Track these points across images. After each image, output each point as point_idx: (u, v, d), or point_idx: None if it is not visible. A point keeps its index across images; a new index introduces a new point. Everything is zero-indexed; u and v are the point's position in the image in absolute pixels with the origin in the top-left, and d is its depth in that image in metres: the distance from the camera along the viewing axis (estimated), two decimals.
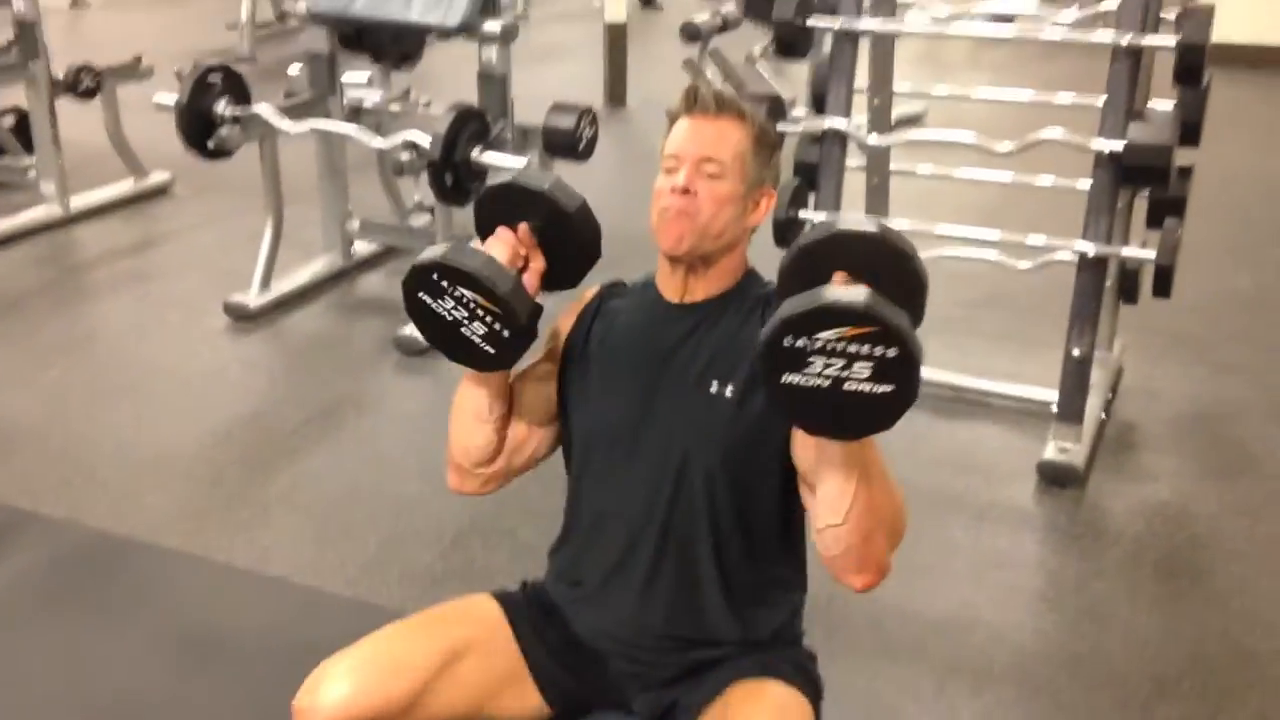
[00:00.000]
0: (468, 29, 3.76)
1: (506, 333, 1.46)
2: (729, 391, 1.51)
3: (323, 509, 2.87)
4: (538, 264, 1.54)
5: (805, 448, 1.42)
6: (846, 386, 1.24)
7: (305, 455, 3.12)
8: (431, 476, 3.00)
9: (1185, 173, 3.19)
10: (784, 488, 1.55)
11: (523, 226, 1.53)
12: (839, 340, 1.22)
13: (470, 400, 1.62)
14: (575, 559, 1.64)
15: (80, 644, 2.38)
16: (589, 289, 1.68)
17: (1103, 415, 3.21)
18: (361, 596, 2.54)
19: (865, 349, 1.22)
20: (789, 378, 1.25)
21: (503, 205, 1.55)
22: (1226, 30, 3.12)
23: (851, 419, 1.27)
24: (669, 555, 1.55)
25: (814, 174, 3.32)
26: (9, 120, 5.09)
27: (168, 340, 3.79)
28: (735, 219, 1.54)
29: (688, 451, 1.52)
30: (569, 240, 1.54)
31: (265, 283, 3.96)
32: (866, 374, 1.24)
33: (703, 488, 1.53)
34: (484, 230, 1.56)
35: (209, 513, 2.85)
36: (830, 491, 1.37)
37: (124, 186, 4.95)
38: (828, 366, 1.24)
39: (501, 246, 1.51)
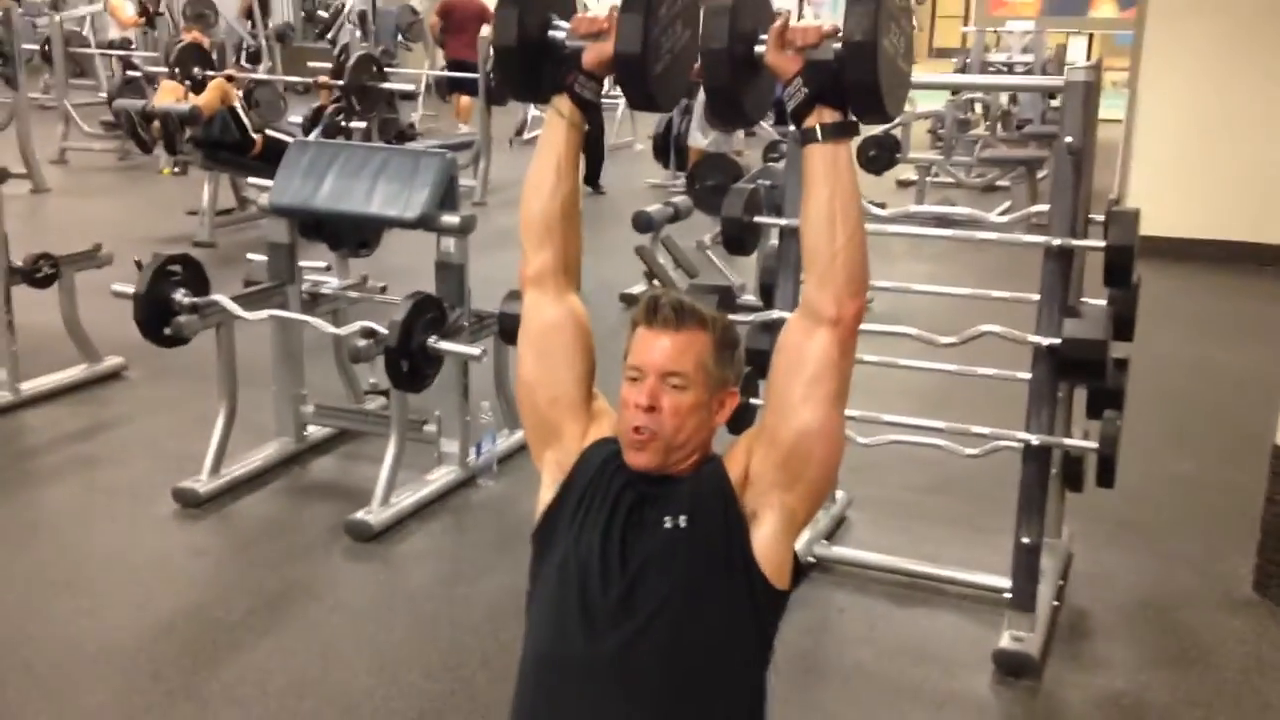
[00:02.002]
0: (426, 222, 3.87)
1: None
2: (681, 521, 1.57)
3: (267, 704, 2.79)
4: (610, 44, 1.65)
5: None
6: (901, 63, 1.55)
7: (250, 647, 3.05)
8: (381, 669, 2.94)
9: (1121, 364, 3.30)
10: (744, 637, 1.57)
11: (613, 11, 1.64)
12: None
13: (548, 145, 1.73)
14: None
15: None
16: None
17: (1055, 603, 3.22)
18: None
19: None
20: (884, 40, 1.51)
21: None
22: (1151, 225, 3.28)
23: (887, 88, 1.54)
24: (632, 712, 1.53)
25: (765, 360, 3.38)
26: None
27: (113, 528, 3.73)
28: (701, 425, 1.61)
29: (652, 597, 1.55)
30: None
31: (216, 467, 3.93)
32: (904, 49, 1.52)
33: (664, 633, 1.53)
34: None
35: (148, 710, 2.76)
36: (822, 201, 1.53)
37: (76, 371, 4.93)
38: (896, 39, 1.54)
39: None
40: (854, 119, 1.57)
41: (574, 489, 1.66)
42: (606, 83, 1.72)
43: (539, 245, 1.73)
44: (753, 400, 3.31)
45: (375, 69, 8.57)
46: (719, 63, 1.58)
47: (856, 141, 1.61)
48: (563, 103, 1.70)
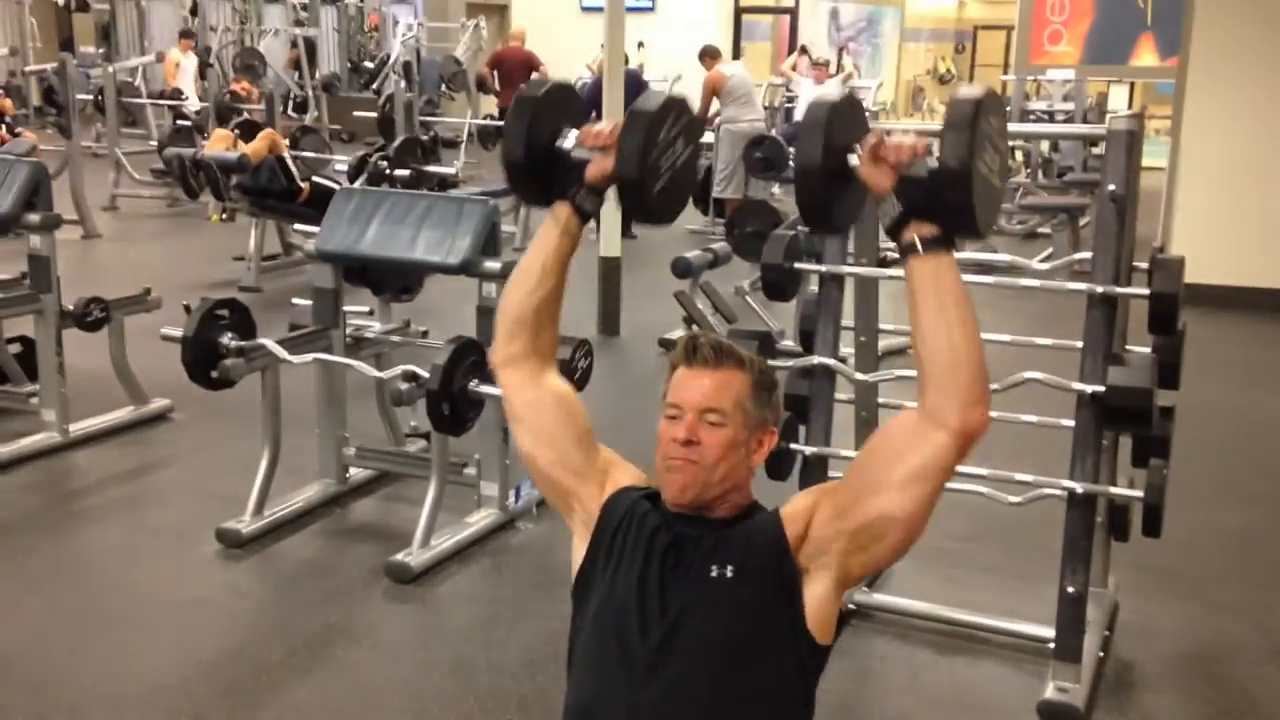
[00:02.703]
0: (469, 268, 3.92)
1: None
2: (729, 572, 1.56)
3: None
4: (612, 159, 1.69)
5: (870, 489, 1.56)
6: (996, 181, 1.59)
7: (291, 688, 3.06)
8: (419, 711, 2.94)
9: (1167, 413, 3.27)
10: (786, 689, 1.56)
11: (616, 127, 1.68)
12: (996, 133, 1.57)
13: (539, 248, 1.76)
14: None
15: None
16: (641, 473, 1.75)
17: (1100, 653, 3.17)
18: None
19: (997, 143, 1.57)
20: (980, 166, 1.52)
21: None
22: (1195, 273, 3.26)
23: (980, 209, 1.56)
24: None
25: (804, 405, 3.39)
26: (15, 348, 5.19)
27: (157, 568, 3.77)
28: (739, 463, 1.61)
29: (694, 645, 1.54)
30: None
31: (259, 508, 3.96)
32: (998, 167, 1.54)
33: (705, 683, 1.53)
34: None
35: None
36: (933, 313, 1.52)
37: (124, 413, 5.00)
38: (991, 158, 1.56)
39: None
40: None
41: (603, 540, 1.67)
42: None
43: (511, 335, 1.77)
44: (792, 445, 3.31)
45: (420, 152, 8.71)
46: (812, 179, 1.61)
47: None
48: (562, 210, 1.74)
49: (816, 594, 1.58)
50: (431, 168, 8.56)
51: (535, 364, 1.76)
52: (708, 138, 9.40)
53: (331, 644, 3.29)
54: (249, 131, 8.01)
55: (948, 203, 1.54)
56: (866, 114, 1.74)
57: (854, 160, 1.61)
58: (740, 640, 1.56)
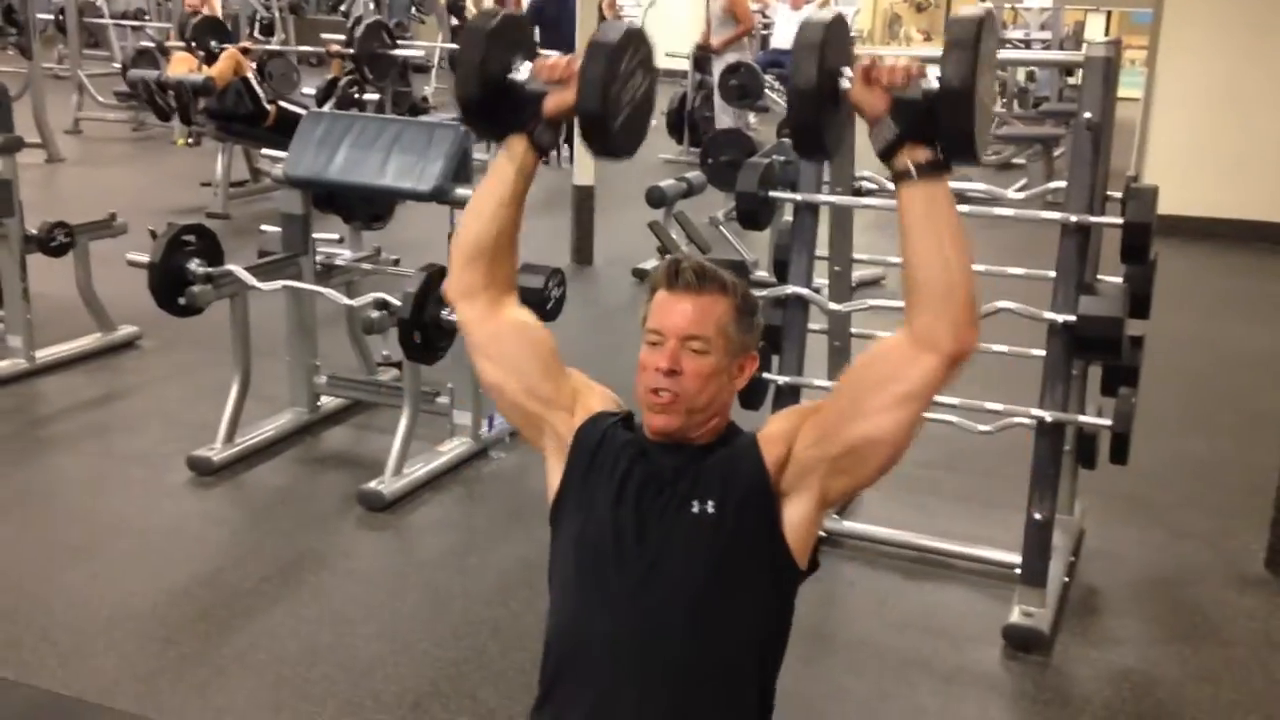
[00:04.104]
0: (440, 195, 3.87)
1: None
2: (710, 507, 1.56)
3: (280, 670, 2.81)
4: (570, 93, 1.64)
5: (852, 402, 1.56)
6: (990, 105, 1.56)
7: (264, 614, 3.07)
8: (393, 637, 2.96)
9: (1137, 342, 3.29)
10: (765, 616, 1.57)
11: (573, 60, 1.65)
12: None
13: (493, 183, 1.72)
14: (552, 711, 1.62)
15: None
16: (616, 399, 1.73)
17: (1065, 579, 3.22)
18: None
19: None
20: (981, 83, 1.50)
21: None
22: (1168, 204, 3.26)
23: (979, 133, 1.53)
24: (653, 689, 1.54)
25: (778, 335, 3.39)
26: None
27: (128, 495, 3.75)
28: (721, 389, 1.61)
29: (671, 576, 1.55)
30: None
31: (230, 436, 3.95)
32: (992, 90, 1.54)
33: (685, 614, 1.54)
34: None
35: (161, 673, 2.78)
36: (928, 239, 1.50)
37: (91, 340, 4.95)
38: (988, 81, 1.53)
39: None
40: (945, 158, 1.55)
41: (577, 468, 1.66)
42: None
43: (466, 267, 1.73)
44: (765, 375, 3.31)
45: (386, 36, 8.55)
46: (807, 101, 1.58)
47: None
48: (518, 144, 1.70)
49: (796, 517, 1.58)
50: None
51: (494, 294, 1.72)
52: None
53: (304, 570, 3.30)
54: (206, 31, 7.84)
55: (947, 126, 1.51)
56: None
57: (845, 83, 1.58)
58: (720, 572, 1.56)
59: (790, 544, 1.58)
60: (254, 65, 7.81)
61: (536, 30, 7.64)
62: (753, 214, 3.46)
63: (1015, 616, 3.00)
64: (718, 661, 1.56)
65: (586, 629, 1.59)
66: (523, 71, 1.72)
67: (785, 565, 1.59)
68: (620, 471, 1.62)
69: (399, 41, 8.99)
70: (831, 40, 1.59)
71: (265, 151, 7.52)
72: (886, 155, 1.53)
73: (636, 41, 1.68)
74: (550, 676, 1.62)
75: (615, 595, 1.56)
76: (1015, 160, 9.73)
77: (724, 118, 9.17)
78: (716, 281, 1.61)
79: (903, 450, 1.56)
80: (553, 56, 1.70)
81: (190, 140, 8.55)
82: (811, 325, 3.47)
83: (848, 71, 1.58)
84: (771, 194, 3.41)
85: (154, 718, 2.61)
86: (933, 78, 1.52)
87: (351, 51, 8.30)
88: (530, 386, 1.70)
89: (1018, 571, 3.08)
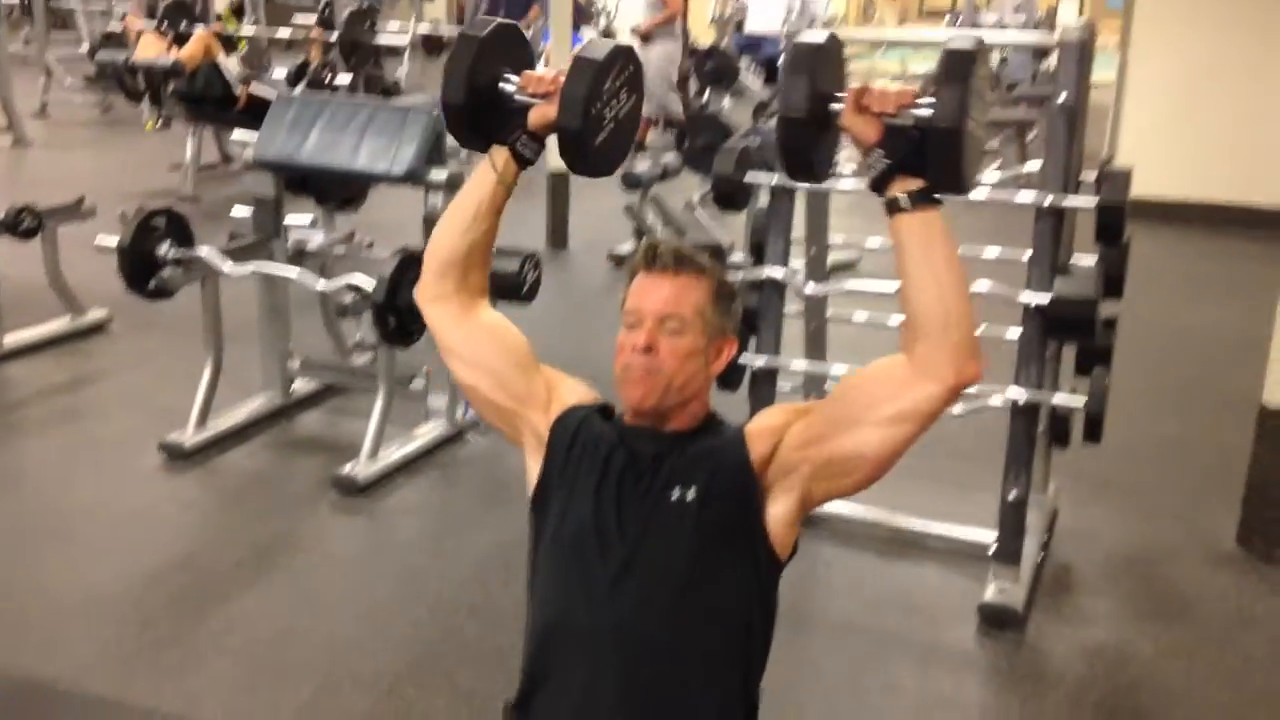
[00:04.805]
0: (414, 177, 3.84)
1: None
2: (690, 495, 1.55)
3: (255, 653, 2.79)
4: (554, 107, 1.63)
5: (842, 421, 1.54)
6: (980, 134, 1.52)
7: (238, 597, 3.05)
8: (369, 619, 2.95)
9: (1110, 324, 3.31)
10: (747, 604, 1.57)
11: (560, 74, 1.64)
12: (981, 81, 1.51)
13: (473, 191, 1.70)
14: (534, 703, 1.61)
15: None
16: (592, 391, 1.73)
17: (1040, 557, 3.25)
18: None
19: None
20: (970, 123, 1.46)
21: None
22: (1140, 187, 3.28)
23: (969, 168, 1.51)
24: (634, 682, 1.53)
25: (753, 319, 3.39)
26: None
27: (99, 480, 3.72)
28: (698, 371, 1.60)
29: (655, 567, 1.54)
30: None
31: (202, 420, 3.91)
32: (983, 119, 1.50)
33: (666, 602, 1.53)
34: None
35: (136, 657, 2.76)
36: (923, 270, 1.47)
37: (60, 324, 4.90)
38: (979, 111, 1.50)
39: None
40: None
41: (555, 462, 1.65)
42: None
43: (440, 274, 1.72)
44: (740, 360, 3.32)
45: (369, 25, 8.49)
46: (797, 129, 1.56)
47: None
48: (500, 156, 1.69)
49: (779, 512, 1.57)
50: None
51: (465, 299, 1.71)
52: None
53: (279, 554, 3.28)
54: (175, 13, 7.76)
55: (937, 160, 1.49)
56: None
57: (837, 108, 1.56)
58: (701, 561, 1.55)
59: (772, 537, 1.58)
60: (223, 48, 7.74)
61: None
62: (730, 196, 3.46)
63: (990, 594, 3.02)
64: (700, 650, 1.55)
65: (570, 619, 1.58)
66: (511, 83, 1.70)
67: (766, 556, 1.59)
68: (599, 460, 1.61)
69: (375, 27, 8.94)
70: (823, 65, 1.57)
71: (236, 134, 7.47)
72: (878, 186, 1.50)
73: (623, 60, 1.66)
74: (533, 669, 1.61)
75: (597, 584, 1.56)
76: (989, 145, 9.76)
77: (672, 103, 9.13)
78: (694, 264, 1.60)
79: (885, 470, 1.56)
80: (541, 68, 1.70)
81: (159, 123, 8.46)
82: (787, 308, 3.47)
83: (839, 96, 1.56)
84: (748, 177, 3.40)
85: (130, 701, 2.59)
86: (924, 105, 1.50)
87: (334, 38, 8.24)
88: (504, 385, 1.69)
89: (992, 550, 3.10)
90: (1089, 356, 3.33)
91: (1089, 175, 3.24)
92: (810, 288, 3.50)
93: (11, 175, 7.65)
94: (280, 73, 8.55)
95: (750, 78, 10.64)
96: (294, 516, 3.52)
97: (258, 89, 7.32)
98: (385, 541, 3.47)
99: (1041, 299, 2.98)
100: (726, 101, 10.15)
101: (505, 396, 1.69)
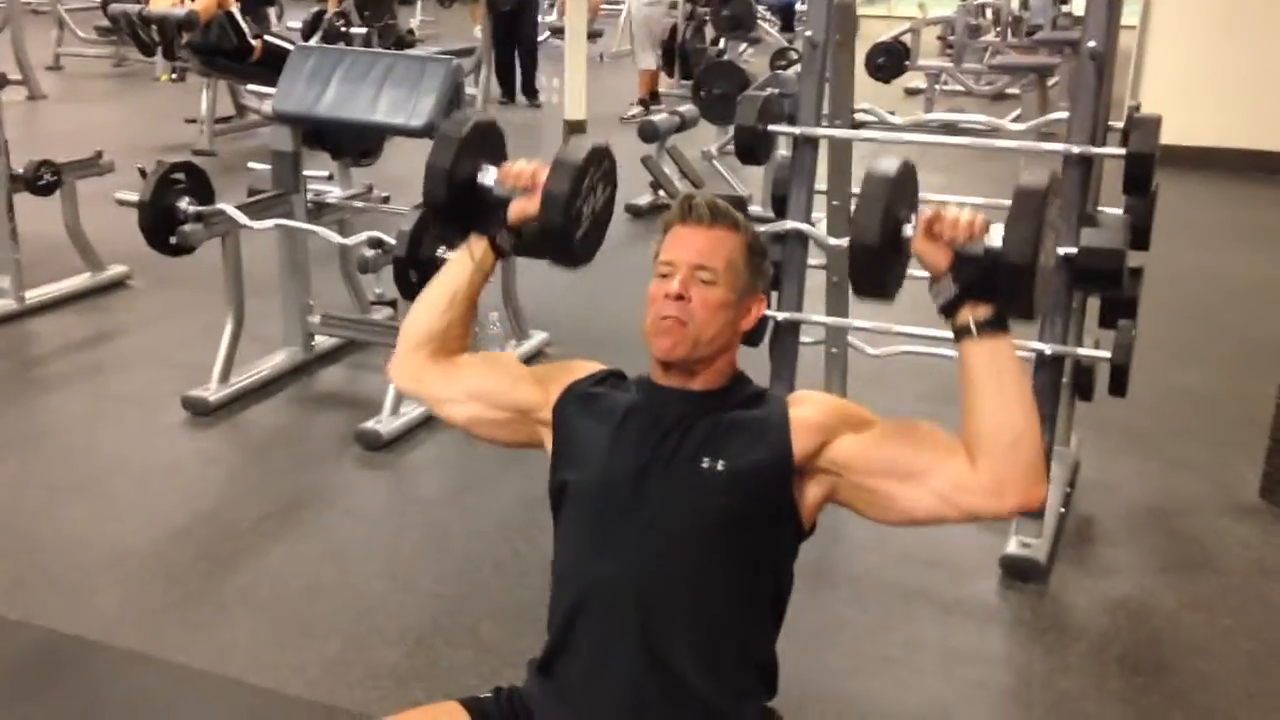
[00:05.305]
0: (433, 130, 3.81)
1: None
2: (720, 466, 1.55)
3: (283, 607, 2.82)
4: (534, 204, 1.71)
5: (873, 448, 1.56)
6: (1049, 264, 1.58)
7: (265, 552, 3.07)
8: (395, 574, 2.97)
9: (1136, 274, 3.28)
10: (767, 571, 1.57)
11: (538, 170, 1.72)
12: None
13: (450, 279, 1.76)
14: (557, 661, 1.62)
15: None
16: (592, 364, 1.75)
17: (1062, 509, 3.24)
18: (323, 698, 2.48)
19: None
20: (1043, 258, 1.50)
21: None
22: (1164, 133, 3.23)
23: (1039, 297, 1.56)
24: (653, 641, 1.54)
25: (776, 271, 3.36)
26: None
27: (124, 434, 3.74)
28: (728, 324, 1.59)
29: (676, 529, 1.54)
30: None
31: (225, 376, 3.93)
32: (1053, 247, 1.56)
33: (688, 565, 1.54)
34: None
35: (165, 611, 2.79)
36: (991, 394, 1.48)
37: (80, 280, 4.91)
38: (1050, 242, 1.55)
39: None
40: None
41: (564, 434, 1.66)
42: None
43: (416, 348, 1.76)
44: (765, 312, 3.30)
45: None
46: (870, 257, 1.61)
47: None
48: (479, 246, 1.75)
49: (807, 498, 1.59)
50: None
51: (443, 361, 1.76)
52: None
53: (304, 509, 3.30)
54: None
55: (1009, 292, 1.51)
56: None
57: (908, 231, 1.59)
58: (726, 530, 1.55)
59: (800, 514, 1.59)
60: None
61: None
62: (751, 148, 3.42)
63: (1012, 547, 3.02)
64: (719, 614, 1.56)
65: (590, 580, 1.58)
66: (489, 176, 1.79)
67: (791, 529, 1.60)
68: (614, 421, 1.62)
69: None
70: (896, 191, 1.61)
71: (250, 87, 7.42)
72: (948, 311, 1.52)
73: (599, 158, 1.76)
74: (557, 630, 1.62)
75: (618, 545, 1.56)
76: (1009, 90, 9.65)
77: (645, 57, 9.09)
78: (729, 218, 1.62)
79: (913, 525, 1.58)
80: (519, 164, 1.76)
81: (174, 76, 8.41)
82: (810, 261, 3.45)
83: (912, 219, 1.59)
84: (770, 127, 3.36)
85: (158, 655, 2.62)
86: (995, 234, 1.52)
87: None
88: (501, 401, 1.72)
89: None
90: (1114, 308, 3.30)
91: (1116, 123, 3.19)
92: (833, 240, 3.47)
93: (27, 129, 7.63)
94: (295, 23, 8.48)
95: (767, 25, 10.51)
96: (318, 471, 3.54)
97: (272, 41, 7.26)
98: (409, 497, 3.49)
99: (1069, 250, 2.95)
100: (744, 49, 10.04)
101: (505, 411, 1.72)
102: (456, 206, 1.78)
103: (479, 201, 1.79)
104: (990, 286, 1.51)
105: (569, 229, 1.70)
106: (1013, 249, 1.50)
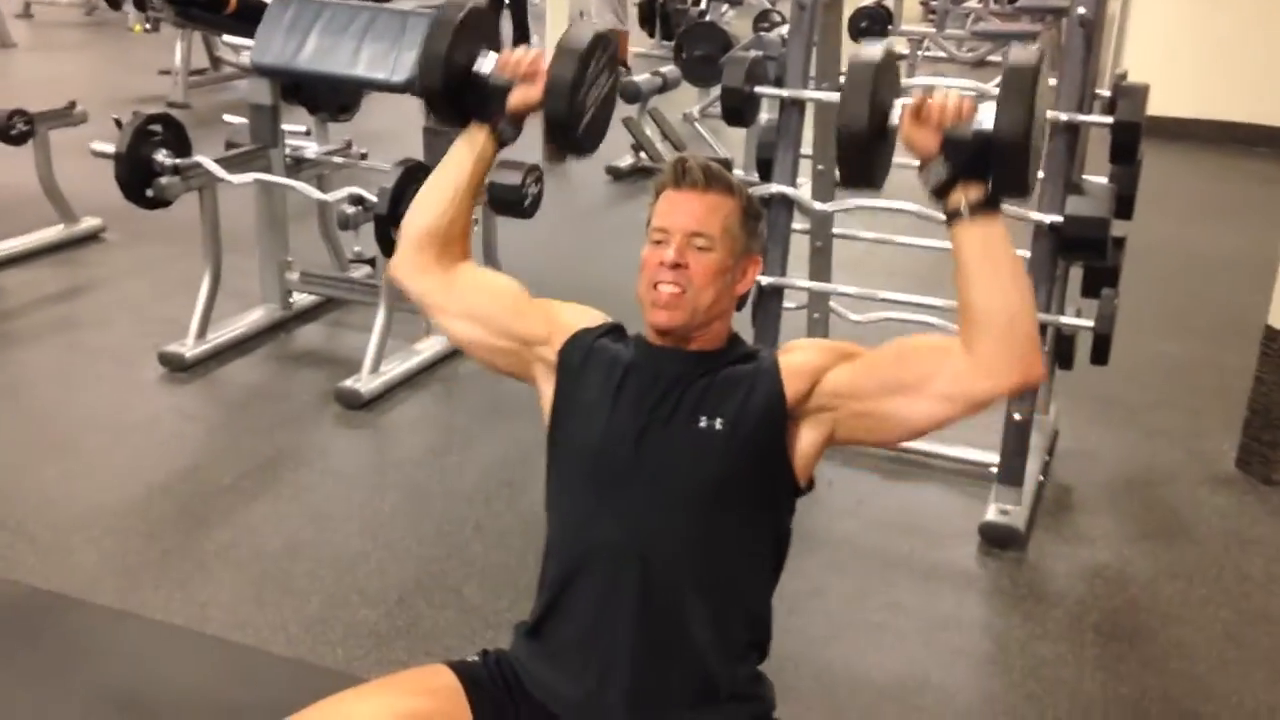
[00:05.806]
0: (413, 86, 3.76)
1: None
2: (719, 424, 1.55)
3: (262, 565, 2.80)
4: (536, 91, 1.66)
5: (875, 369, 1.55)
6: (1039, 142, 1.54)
7: (244, 509, 3.05)
8: (375, 533, 2.96)
9: (1119, 243, 3.28)
10: (764, 530, 1.58)
11: (538, 56, 1.68)
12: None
13: (451, 169, 1.71)
14: (550, 624, 1.61)
15: (9, 705, 2.28)
16: (598, 313, 1.72)
17: (1041, 478, 3.26)
18: (303, 656, 2.48)
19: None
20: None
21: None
22: (1150, 103, 3.23)
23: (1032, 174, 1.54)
24: (656, 604, 1.54)
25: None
26: None
27: (100, 390, 3.70)
28: (725, 289, 1.58)
29: (677, 489, 1.54)
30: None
31: (202, 332, 3.88)
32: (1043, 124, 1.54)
33: (685, 524, 1.53)
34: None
35: (143, 568, 2.77)
36: (987, 277, 1.46)
37: (53, 232, 4.83)
38: (1041, 121, 1.52)
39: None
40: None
41: (565, 384, 1.64)
42: None
43: (418, 248, 1.72)
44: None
45: None
46: (858, 143, 1.58)
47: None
48: (479, 135, 1.70)
49: (803, 446, 1.58)
50: None
51: (447, 263, 1.72)
52: None
53: (283, 468, 3.28)
54: None
55: (1001, 172, 1.50)
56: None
57: (894, 119, 1.57)
58: (724, 487, 1.55)
59: (795, 467, 1.59)
60: None
61: None
62: (738, 110, 3.39)
63: (991, 514, 3.04)
64: (717, 570, 1.56)
65: (587, 537, 1.57)
66: (487, 64, 1.73)
67: (788, 484, 1.60)
68: (615, 379, 1.60)
69: None
70: (881, 78, 1.59)
71: (226, 39, 7.30)
72: (939, 194, 1.50)
73: (603, 44, 1.71)
74: (550, 588, 1.62)
75: (615, 503, 1.55)
76: (991, 58, 9.62)
77: (606, 14, 8.99)
78: (723, 182, 1.59)
79: (915, 437, 1.59)
80: (518, 51, 1.70)
81: (147, 26, 8.26)
82: (793, 225, 3.43)
83: (898, 106, 1.57)
84: (757, 89, 3.33)
85: (138, 612, 2.60)
86: (983, 115, 1.50)
87: None
88: (503, 329, 1.69)
89: (994, 471, 3.12)
90: (1097, 277, 3.31)
91: (1102, 91, 3.19)
92: (818, 204, 3.45)
93: None
94: None
95: None
96: (297, 430, 3.52)
97: None
98: (389, 456, 3.47)
99: (1055, 218, 2.95)
100: (725, 10, 9.96)
101: (506, 340, 1.69)
102: (454, 94, 1.72)
103: (477, 90, 1.73)
104: (981, 168, 1.50)
105: (574, 117, 1.66)
106: (1004, 126, 1.49)
